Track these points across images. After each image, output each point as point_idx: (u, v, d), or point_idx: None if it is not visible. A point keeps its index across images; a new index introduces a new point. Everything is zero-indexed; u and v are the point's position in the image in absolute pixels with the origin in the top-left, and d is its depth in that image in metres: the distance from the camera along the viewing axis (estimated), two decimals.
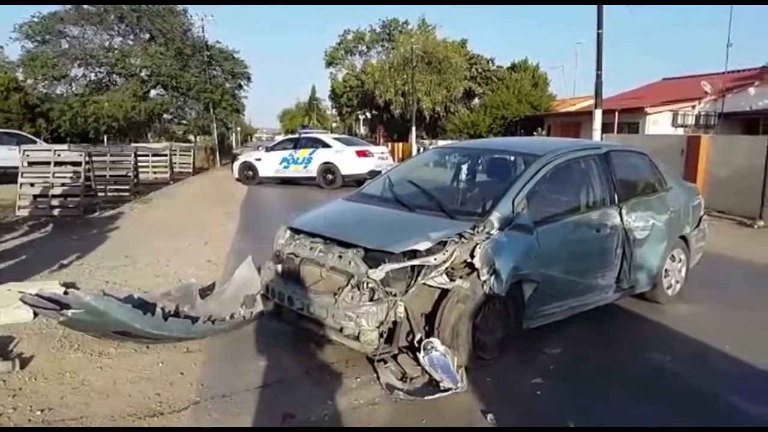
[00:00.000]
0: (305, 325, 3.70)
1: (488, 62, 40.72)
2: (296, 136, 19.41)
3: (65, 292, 3.87)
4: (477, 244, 3.50)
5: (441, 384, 3.26)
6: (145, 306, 4.12)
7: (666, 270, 5.07)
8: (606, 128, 17.33)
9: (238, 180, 17.56)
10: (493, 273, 3.47)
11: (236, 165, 18.10)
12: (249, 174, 17.46)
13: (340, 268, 3.53)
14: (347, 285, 3.43)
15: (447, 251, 3.44)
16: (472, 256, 3.47)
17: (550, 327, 4.07)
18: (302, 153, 16.70)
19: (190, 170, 21.31)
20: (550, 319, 4.05)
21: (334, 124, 58.78)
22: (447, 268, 3.45)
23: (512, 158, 4.76)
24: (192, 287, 4.79)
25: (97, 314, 3.55)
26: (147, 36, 30.64)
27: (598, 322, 4.53)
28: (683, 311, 4.98)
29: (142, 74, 30.80)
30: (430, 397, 3.20)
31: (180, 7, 31.04)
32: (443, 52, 37.62)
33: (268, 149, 18.32)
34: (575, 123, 27.93)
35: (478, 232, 3.57)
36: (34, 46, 28.91)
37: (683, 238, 5.30)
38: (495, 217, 3.67)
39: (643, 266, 4.76)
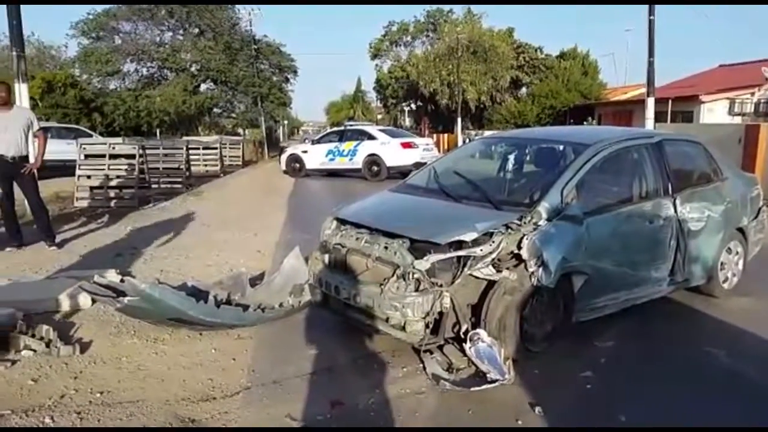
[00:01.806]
0: (352, 315, 3.73)
1: (536, 51, 40.00)
2: (342, 128, 19.54)
3: (122, 280, 4.01)
4: (524, 235, 3.45)
5: (488, 375, 3.24)
6: (198, 294, 4.23)
7: (722, 263, 4.89)
8: (659, 117, 16.78)
9: (285, 172, 17.80)
10: (542, 264, 3.41)
11: (283, 157, 18.36)
12: (296, 166, 17.68)
13: (386, 259, 3.53)
14: (393, 275, 3.43)
15: (493, 242, 3.40)
16: (519, 247, 3.42)
17: (601, 320, 3.99)
18: (348, 145, 16.79)
19: (240, 163, 21.76)
20: (601, 312, 3.97)
21: (379, 116, 58.84)
22: (493, 260, 3.41)
23: (561, 148, 4.66)
24: (242, 276, 4.91)
25: (152, 302, 3.68)
26: (196, 31, 31.37)
27: (651, 316, 4.42)
28: (740, 305, 4.80)
29: (192, 69, 31.60)
30: (476, 389, 3.18)
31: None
32: (489, 41, 37.13)
33: (315, 142, 18.51)
34: (627, 112, 27.22)
35: (525, 222, 3.53)
36: (89, 43, 30.01)
37: (740, 229, 5.10)
38: (543, 208, 3.61)
39: (698, 259, 4.61)
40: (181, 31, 31.97)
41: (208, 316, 3.91)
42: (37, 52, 29.54)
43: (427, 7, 41.55)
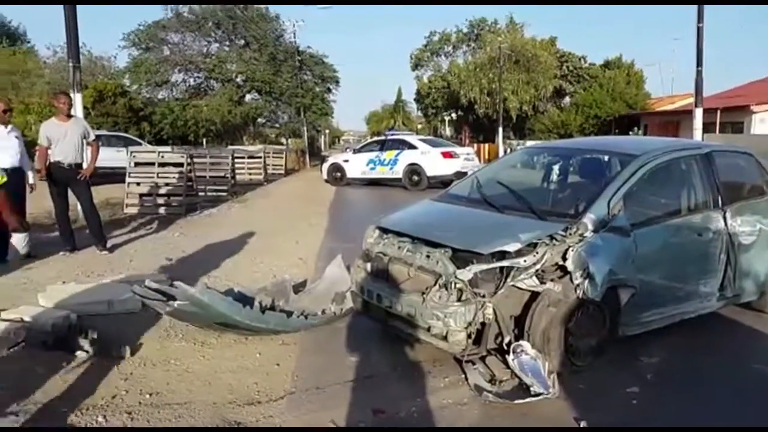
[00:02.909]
0: (393, 323, 3.76)
1: (580, 60, 39.46)
2: (383, 138, 19.67)
3: (171, 285, 4.12)
4: (569, 246, 3.41)
5: (531, 388, 3.21)
6: (243, 299, 4.31)
7: None
8: (707, 128, 16.36)
9: (326, 181, 18.00)
10: (587, 277, 3.37)
11: (325, 166, 18.58)
12: (337, 175, 17.86)
13: (428, 268, 3.54)
14: (435, 284, 3.44)
15: (537, 253, 3.38)
16: (564, 258, 3.39)
17: (648, 335, 3.91)
18: (388, 155, 16.86)
19: (282, 172, 22.07)
20: (647, 326, 3.89)
21: (419, 126, 58.89)
22: (537, 271, 3.38)
23: (607, 158, 4.61)
24: (286, 283, 4.98)
25: (201, 306, 3.76)
26: (242, 42, 32.05)
27: (699, 332, 4.29)
28: None
29: (238, 79, 32.24)
30: (520, 401, 3.16)
31: (273, 13, 32.25)
32: (531, 50, 36.81)
33: (356, 151, 18.68)
34: (674, 122, 26.60)
35: (570, 234, 3.48)
36: (138, 54, 30.98)
37: None
38: (589, 219, 3.56)
39: (750, 273, 4.47)
40: (227, 43, 32.71)
41: (253, 321, 3.98)
42: (89, 62, 30.61)
43: (470, 17, 41.55)
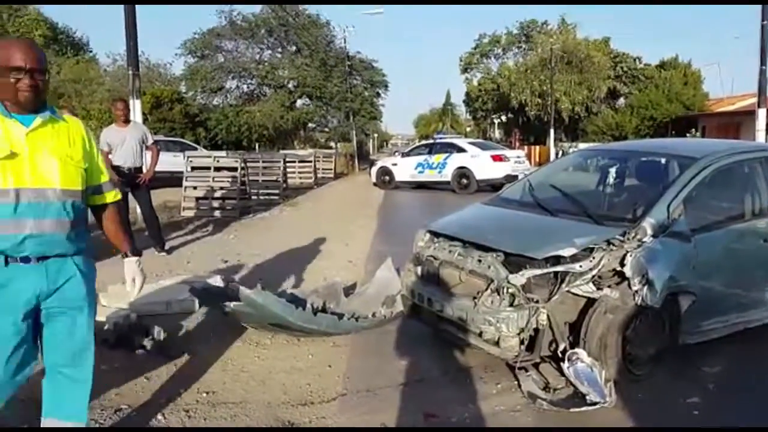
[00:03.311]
0: (444, 327, 3.73)
1: (635, 60, 38.43)
2: (431, 141, 19.66)
3: (228, 286, 4.22)
4: (627, 251, 3.32)
5: (587, 397, 3.13)
6: (296, 301, 4.38)
7: None
8: None
9: (375, 184, 18.10)
10: (647, 283, 3.26)
11: (374, 170, 18.72)
12: (386, 179, 17.94)
13: (480, 272, 3.50)
14: (487, 289, 3.40)
15: (594, 258, 3.29)
16: (622, 264, 3.30)
17: (709, 344, 3.76)
18: (437, 158, 16.83)
19: (332, 175, 22.35)
20: (709, 335, 3.74)
21: (468, 129, 58.51)
22: (594, 276, 3.30)
23: (666, 161, 4.47)
24: (337, 285, 5.03)
25: (256, 307, 3.84)
26: (294, 48, 32.54)
27: (763, 340, 4.10)
28: None
29: (290, 85, 32.75)
30: (576, 410, 3.09)
31: (324, 19, 32.66)
32: (584, 50, 36.08)
33: (404, 155, 18.72)
34: (734, 124, 25.57)
35: (628, 239, 3.39)
36: (194, 61, 31.90)
37: None
38: (648, 224, 3.45)
39: None
40: (279, 49, 33.30)
41: (306, 322, 4.03)
42: (146, 69, 31.64)
43: (521, 18, 41.11)
